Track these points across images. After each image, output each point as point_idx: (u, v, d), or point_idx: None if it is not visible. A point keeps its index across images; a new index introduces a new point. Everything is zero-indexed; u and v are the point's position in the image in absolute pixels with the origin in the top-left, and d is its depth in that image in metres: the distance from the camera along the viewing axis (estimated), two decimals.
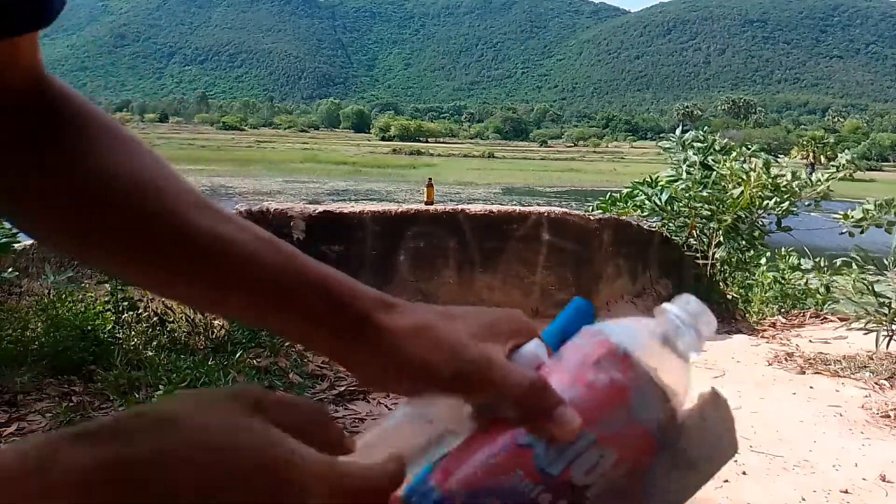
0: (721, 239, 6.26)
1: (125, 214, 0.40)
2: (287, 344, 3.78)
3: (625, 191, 6.96)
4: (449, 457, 0.38)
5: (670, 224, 6.55)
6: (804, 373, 3.88)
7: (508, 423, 0.37)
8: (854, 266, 4.53)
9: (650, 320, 0.40)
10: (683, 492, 0.39)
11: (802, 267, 5.95)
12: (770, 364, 4.08)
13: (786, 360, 4.12)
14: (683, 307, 0.40)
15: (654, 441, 0.38)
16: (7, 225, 3.32)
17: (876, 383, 3.65)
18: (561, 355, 0.40)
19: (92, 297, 3.59)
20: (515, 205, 5.78)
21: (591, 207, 7.18)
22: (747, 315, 5.73)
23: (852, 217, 4.97)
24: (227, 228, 0.40)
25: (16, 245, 3.44)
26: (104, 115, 0.44)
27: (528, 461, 0.36)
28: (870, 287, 4.15)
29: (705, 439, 0.40)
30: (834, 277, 5.47)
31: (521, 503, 0.35)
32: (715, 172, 6.43)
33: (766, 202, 6.19)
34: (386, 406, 3.12)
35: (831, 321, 5.26)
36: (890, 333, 3.98)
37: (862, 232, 4.90)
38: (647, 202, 6.44)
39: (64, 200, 0.41)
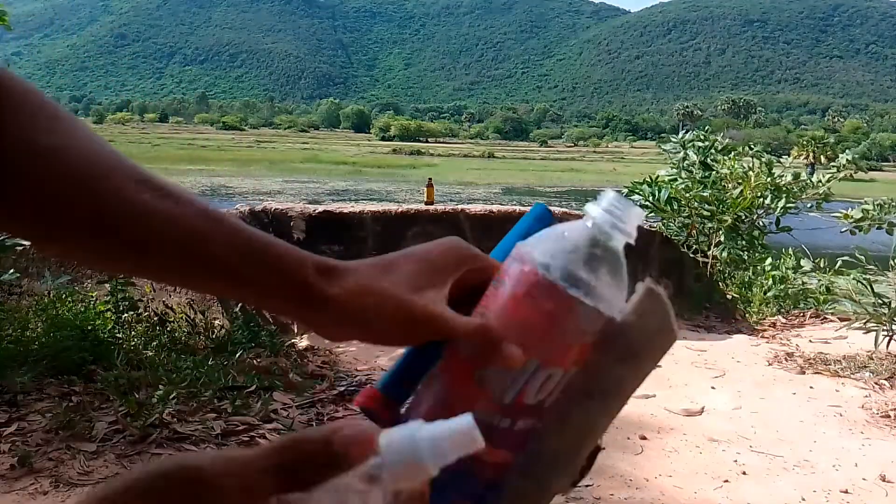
0: (721, 239, 6.26)
1: (56, 192, 0.37)
2: (287, 344, 3.78)
3: (625, 191, 6.95)
4: (416, 395, 0.43)
5: (670, 224, 6.54)
6: (804, 373, 3.88)
7: (457, 361, 0.41)
8: (856, 266, 4.53)
9: (576, 228, 0.41)
10: (630, 381, 0.42)
11: (803, 269, 5.95)
12: (770, 364, 4.08)
13: (786, 360, 4.12)
14: (608, 207, 0.41)
15: (595, 347, 0.41)
16: None
17: (876, 383, 3.65)
18: (499, 282, 0.42)
19: (92, 297, 3.59)
20: (515, 205, 5.79)
21: None
22: (747, 315, 5.73)
23: (852, 217, 4.98)
24: (167, 204, 0.39)
25: (17, 247, 3.44)
26: (34, 90, 0.41)
27: (486, 395, 0.40)
28: (870, 287, 4.15)
29: (644, 333, 0.42)
30: (834, 278, 5.47)
31: (488, 431, 0.36)
32: (715, 172, 6.44)
33: (766, 202, 6.19)
34: None
35: (831, 321, 5.26)
36: (890, 333, 3.98)
37: (863, 231, 4.91)
38: (647, 202, 6.44)
39: None
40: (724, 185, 6.41)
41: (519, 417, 0.40)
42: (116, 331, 3.45)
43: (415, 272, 0.43)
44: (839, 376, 3.80)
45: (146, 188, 0.38)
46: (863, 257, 4.48)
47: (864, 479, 2.61)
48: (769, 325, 5.35)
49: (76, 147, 0.38)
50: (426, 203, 5.51)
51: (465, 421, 0.33)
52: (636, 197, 6.61)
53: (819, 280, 5.81)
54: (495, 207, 5.06)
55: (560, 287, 0.39)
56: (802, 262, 6.04)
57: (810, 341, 4.65)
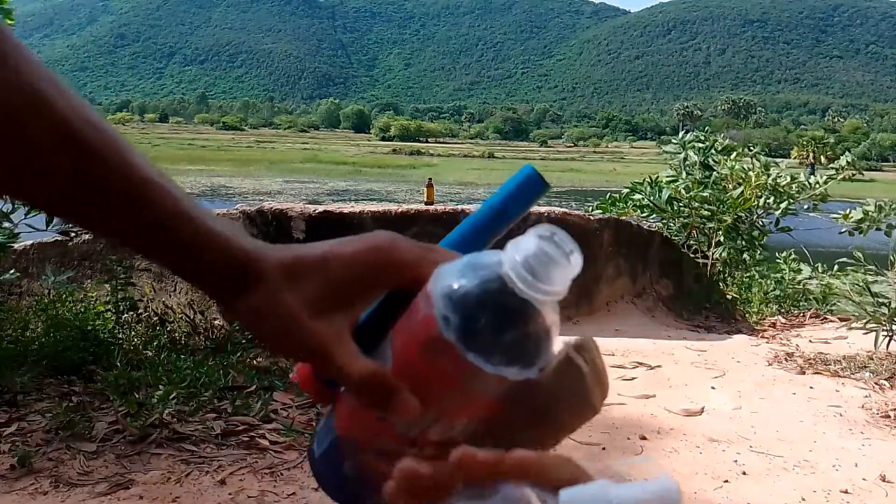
0: (721, 239, 6.26)
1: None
2: None
3: (625, 191, 6.96)
4: (343, 399, 0.42)
5: (670, 224, 6.55)
6: (804, 373, 3.88)
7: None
8: (855, 266, 4.53)
9: (491, 273, 0.36)
10: (539, 442, 0.40)
11: (803, 273, 5.96)
12: (770, 364, 4.08)
13: (786, 360, 4.12)
14: (529, 257, 0.35)
15: (501, 403, 0.38)
16: (7, 225, 3.31)
17: (876, 383, 3.65)
18: (413, 313, 0.38)
19: (92, 297, 3.59)
20: None
21: (591, 207, 7.18)
22: (747, 315, 5.73)
23: (852, 217, 4.98)
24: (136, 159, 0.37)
25: (15, 245, 3.44)
26: None
27: (390, 429, 0.39)
28: (868, 287, 4.15)
29: (555, 397, 0.39)
30: (833, 278, 5.47)
31: (396, 457, 0.35)
32: (715, 173, 6.44)
33: (765, 202, 6.20)
34: None
35: (831, 321, 5.26)
36: (890, 333, 3.98)
37: (862, 233, 4.91)
38: (647, 202, 6.44)
39: None
40: (725, 186, 6.42)
41: (427, 447, 0.39)
42: (116, 331, 3.45)
43: (329, 285, 0.39)
44: (839, 376, 3.79)
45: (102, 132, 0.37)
46: (861, 255, 4.47)
47: (864, 479, 2.61)
48: (769, 326, 5.35)
49: (29, 82, 0.35)
50: (426, 203, 5.51)
51: (667, 486, 0.29)
52: (636, 197, 6.62)
53: (819, 280, 5.81)
54: None
55: (457, 349, 0.35)
56: (802, 264, 6.05)
57: (810, 341, 4.65)
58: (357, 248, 0.41)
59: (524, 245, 0.35)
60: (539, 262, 0.34)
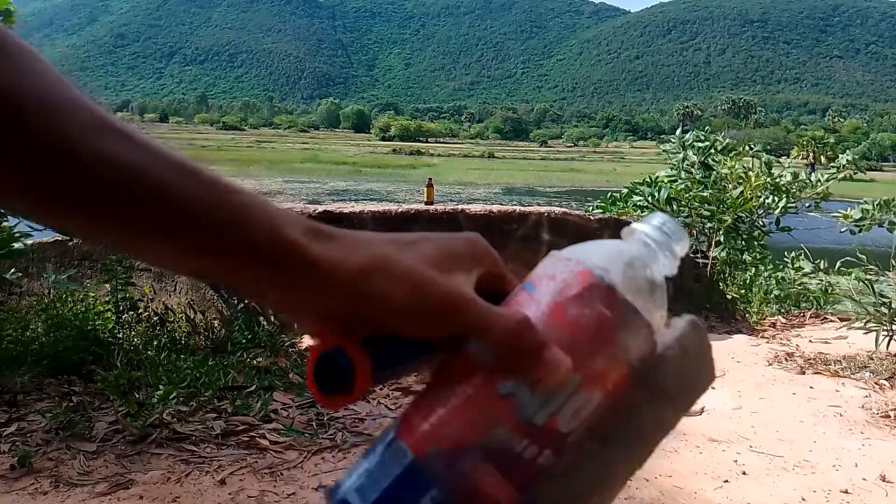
0: (721, 239, 6.26)
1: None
2: (287, 344, 3.78)
3: (625, 191, 6.95)
4: (412, 410, 0.34)
5: None
6: (804, 373, 3.88)
7: (479, 367, 0.34)
8: (856, 265, 4.53)
9: (622, 243, 0.38)
10: (659, 425, 0.37)
11: (803, 269, 5.96)
12: (770, 364, 4.08)
13: (786, 360, 4.12)
14: (656, 227, 0.38)
15: (634, 376, 0.35)
16: (7, 225, 3.32)
17: (876, 383, 3.65)
18: (535, 285, 0.36)
19: (92, 297, 3.59)
20: (515, 205, 5.78)
21: (591, 207, 7.18)
22: (747, 315, 5.73)
23: (852, 217, 4.98)
24: (132, 153, 0.32)
25: (17, 244, 3.44)
26: None
27: (512, 413, 0.33)
28: (870, 286, 4.15)
29: (684, 371, 0.37)
30: (834, 278, 5.47)
31: (507, 460, 0.32)
32: (715, 173, 6.43)
33: (766, 202, 6.19)
34: (386, 406, 3.12)
35: (831, 321, 5.26)
36: (890, 333, 3.98)
37: (861, 231, 4.91)
38: (646, 202, 6.44)
39: None
40: (725, 186, 6.42)
41: (546, 447, 0.33)
42: (116, 331, 3.46)
43: (434, 252, 0.36)
44: (839, 376, 3.79)
45: (109, 134, 0.32)
46: (864, 256, 4.47)
47: (864, 479, 2.61)
48: (769, 326, 5.35)
49: (28, 81, 0.31)
50: (426, 203, 5.52)
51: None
52: (636, 197, 6.62)
53: (819, 280, 5.81)
54: (495, 207, 5.06)
55: (619, 293, 0.35)
56: (802, 263, 6.04)
57: (810, 341, 4.65)
58: (453, 235, 0.38)
59: (657, 219, 0.39)
60: (674, 232, 0.38)
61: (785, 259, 6.39)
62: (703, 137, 6.86)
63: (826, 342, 4.59)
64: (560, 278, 0.35)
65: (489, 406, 0.33)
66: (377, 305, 0.33)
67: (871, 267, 4.44)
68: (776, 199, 6.16)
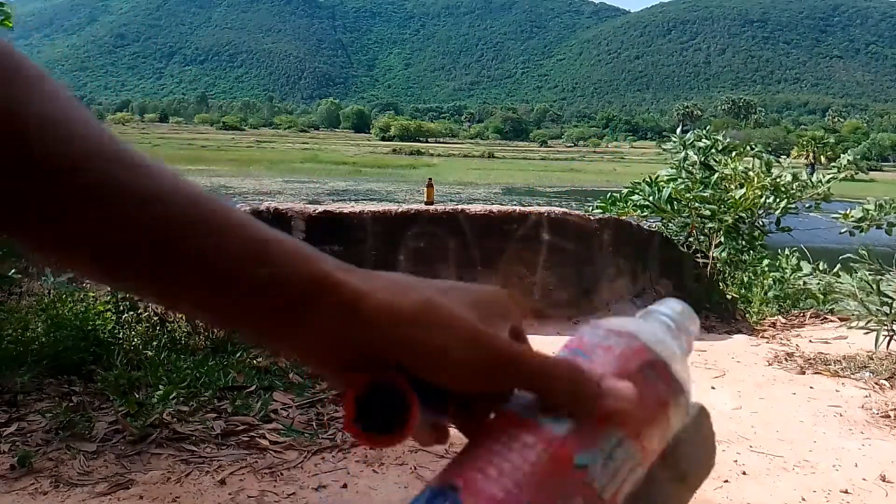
0: (721, 239, 6.26)
1: (14, 171, 0.29)
2: None
3: (625, 191, 6.95)
4: (470, 468, 0.31)
5: (670, 224, 6.54)
6: (804, 373, 3.88)
7: (547, 432, 0.31)
8: (858, 264, 4.52)
9: (655, 322, 0.38)
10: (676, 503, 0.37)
11: (803, 270, 5.96)
12: (770, 364, 4.08)
13: (786, 360, 4.12)
14: (674, 310, 0.39)
15: (664, 453, 0.35)
16: None
17: (876, 383, 3.65)
18: (588, 353, 0.35)
19: (92, 297, 3.59)
20: (515, 205, 5.78)
21: (591, 207, 7.18)
22: (747, 315, 5.73)
23: (852, 217, 4.98)
24: (155, 184, 0.31)
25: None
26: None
27: (587, 485, 0.31)
28: (874, 286, 4.14)
29: (696, 452, 0.38)
30: (834, 278, 5.47)
31: None
32: (716, 173, 6.43)
33: (766, 202, 6.19)
34: None
35: (831, 321, 5.26)
36: (890, 333, 3.98)
37: (862, 231, 4.91)
38: (647, 202, 6.44)
39: None
40: (726, 186, 6.41)
41: None
42: (116, 331, 3.45)
43: (477, 304, 0.33)
44: (839, 376, 3.79)
45: (133, 167, 0.31)
46: (865, 253, 4.47)
47: (864, 479, 2.61)
48: (769, 325, 5.35)
49: (50, 112, 0.30)
50: (426, 203, 5.51)
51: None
52: (636, 197, 6.62)
53: (819, 280, 5.81)
54: (495, 207, 5.06)
55: (673, 369, 0.35)
56: (802, 264, 6.04)
57: (810, 341, 4.65)
58: (477, 286, 0.36)
59: (672, 306, 0.39)
60: (686, 320, 0.38)
61: (780, 258, 6.39)
62: (703, 137, 6.86)
63: (826, 342, 4.59)
64: (617, 351, 0.34)
65: (566, 477, 0.31)
66: (430, 355, 0.31)
67: (872, 266, 4.44)
68: (777, 199, 6.16)
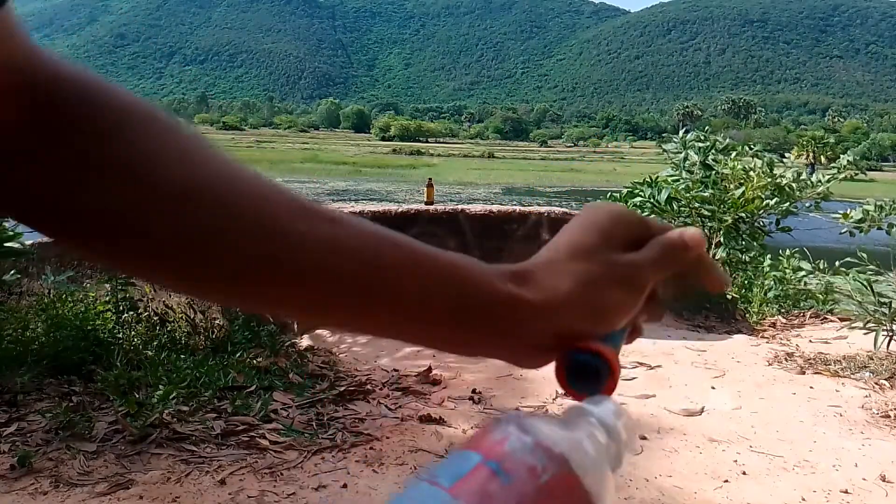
0: (721, 239, 6.25)
1: (209, 235, 0.31)
2: (287, 344, 3.78)
3: (625, 191, 6.95)
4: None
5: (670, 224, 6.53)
6: (804, 373, 3.88)
7: None
8: (856, 265, 4.52)
9: (583, 436, 0.33)
10: None
11: (803, 270, 5.95)
12: (770, 364, 4.08)
13: (786, 360, 4.12)
14: (614, 422, 0.35)
15: None
16: (6, 225, 3.31)
17: (876, 383, 3.65)
18: (509, 473, 0.29)
19: (92, 297, 3.59)
20: (515, 205, 5.78)
21: None
22: (747, 315, 5.73)
23: (852, 217, 4.97)
24: (337, 231, 0.34)
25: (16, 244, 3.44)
26: (140, 101, 0.34)
27: None
28: (870, 287, 4.15)
29: None
30: (834, 278, 5.47)
31: None
32: (716, 172, 6.43)
33: (766, 202, 6.19)
34: (386, 406, 3.12)
35: (831, 321, 5.26)
36: (890, 333, 3.98)
37: (862, 232, 4.90)
38: (647, 202, 6.43)
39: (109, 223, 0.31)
40: (726, 186, 6.41)
41: None
42: (116, 331, 3.45)
43: (592, 248, 0.38)
44: (839, 376, 3.79)
45: (309, 216, 0.33)
46: (864, 255, 4.47)
47: (864, 479, 2.61)
48: (769, 326, 5.35)
49: (224, 173, 0.33)
50: (426, 203, 5.51)
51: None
52: (636, 198, 6.61)
53: (819, 280, 5.81)
54: (495, 207, 5.07)
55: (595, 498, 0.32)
56: (802, 263, 6.04)
57: (810, 341, 4.65)
58: (588, 215, 0.40)
59: (609, 407, 0.36)
60: (627, 425, 0.35)
61: (780, 258, 6.39)
62: (703, 137, 6.86)
63: (826, 342, 4.59)
64: (545, 478, 0.30)
65: None
66: (597, 318, 0.37)
67: (871, 267, 4.44)
68: (777, 199, 6.16)
